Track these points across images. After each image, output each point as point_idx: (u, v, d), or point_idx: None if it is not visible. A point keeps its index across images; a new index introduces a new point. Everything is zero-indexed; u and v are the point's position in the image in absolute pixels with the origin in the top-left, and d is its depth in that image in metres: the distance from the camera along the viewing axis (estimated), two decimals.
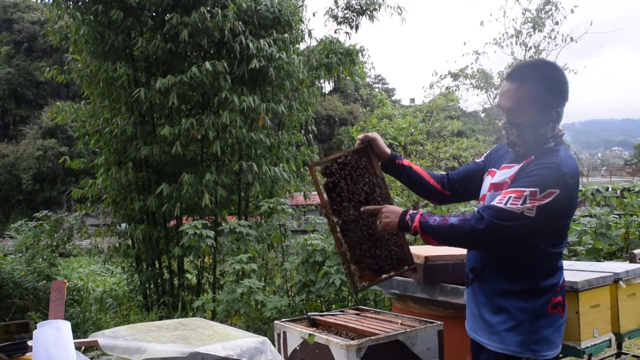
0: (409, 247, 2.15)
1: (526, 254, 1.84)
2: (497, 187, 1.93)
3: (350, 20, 8.88)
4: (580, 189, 7.25)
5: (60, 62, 10.09)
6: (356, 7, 8.86)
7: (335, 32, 8.96)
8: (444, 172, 2.35)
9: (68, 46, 7.93)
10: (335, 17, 8.96)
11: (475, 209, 1.93)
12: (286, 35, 7.59)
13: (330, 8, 9.00)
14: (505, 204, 1.75)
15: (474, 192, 2.12)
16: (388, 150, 2.21)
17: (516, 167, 1.89)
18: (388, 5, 9.03)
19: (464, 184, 2.20)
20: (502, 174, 1.94)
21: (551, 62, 2.01)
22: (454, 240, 1.91)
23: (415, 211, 1.92)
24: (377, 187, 2.15)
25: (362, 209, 2.07)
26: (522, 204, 1.73)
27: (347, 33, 8.96)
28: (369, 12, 8.86)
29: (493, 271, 1.91)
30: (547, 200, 1.72)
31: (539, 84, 1.83)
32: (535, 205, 1.72)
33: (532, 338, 1.81)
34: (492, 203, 1.80)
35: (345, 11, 8.94)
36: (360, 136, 2.22)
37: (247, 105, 6.88)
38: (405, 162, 2.24)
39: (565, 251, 5.09)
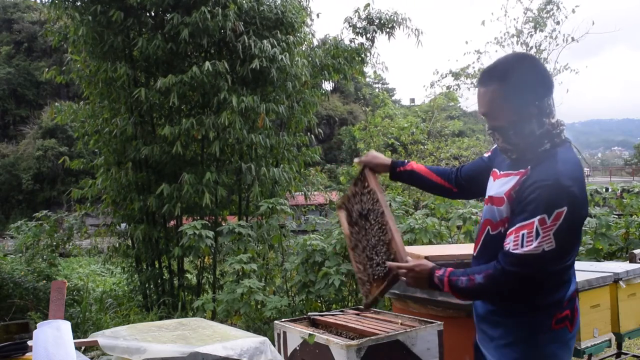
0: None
1: None
2: (492, 201, 1.83)
3: (368, 33, 8.82)
4: None
5: (60, 62, 10.07)
6: (376, 21, 8.81)
7: (351, 41, 8.87)
8: (455, 165, 2.29)
9: (67, 46, 7.93)
10: (353, 27, 8.89)
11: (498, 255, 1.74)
12: (290, 37, 7.59)
13: (350, 17, 8.96)
14: (522, 246, 1.61)
15: (481, 192, 2.01)
16: (388, 162, 2.18)
17: (513, 180, 1.75)
18: (407, 27, 8.96)
19: (470, 183, 2.11)
20: (500, 184, 1.82)
21: (520, 54, 1.87)
22: (487, 298, 1.85)
23: (441, 273, 1.80)
24: (371, 212, 2.11)
25: (389, 264, 1.96)
26: (537, 239, 1.59)
27: (362, 44, 8.87)
28: (388, 29, 8.82)
29: None
30: (559, 223, 1.58)
31: (505, 81, 1.69)
32: (551, 233, 1.58)
33: (532, 354, 1.73)
34: (509, 248, 1.65)
35: (364, 23, 8.88)
36: (356, 160, 2.22)
37: (245, 106, 6.87)
38: (408, 166, 2.18)
39: None
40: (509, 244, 1.66)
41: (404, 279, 1.90)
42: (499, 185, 1.82)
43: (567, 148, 1.73)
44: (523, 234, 1.62)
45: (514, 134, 1.71)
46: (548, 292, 1.73)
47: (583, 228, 5.42)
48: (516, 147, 1.74)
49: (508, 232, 1.69)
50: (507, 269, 1.65)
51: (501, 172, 1.85)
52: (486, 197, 1.91)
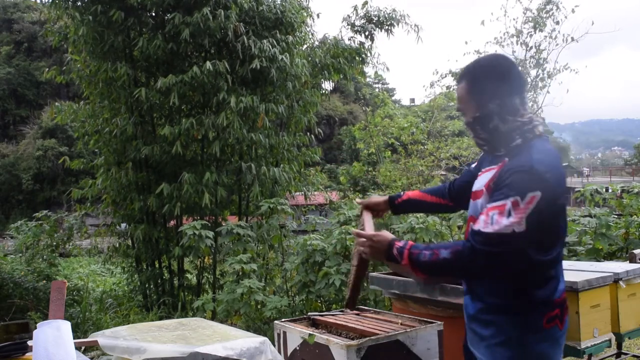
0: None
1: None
2: (475, 196, 1.87)
3: (366, 31, 8.81)
4: (579, 188, 7.25)
5: (60, 62, 10.08)
6: (374, 19, 8.80)
7: (350, 39, 8.87)
8: (450, 178, 2.35)
9: (68, 46, 7.93)
10: (352, 26, 8.89)
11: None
12: (289, 37, 7.58)
13: (348, 15, 8.95)
14: (492, 224, 1.62)
15: None
16: (384, 199, 2.27)
17: (493, 171, 1.79)
18: (406, 23, 8.97)
19: (462, 194, 2.14)
20: (481, 180, 1.86)
21: (494, 55, 1.91)
22: (450, 276, 1.86)
23: (402, 245, 1.78)
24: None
25: (352, 231, 2.11)
26: (508, 219, 1.60)
27: (361, 43, 8.86)
28: (387, 27, 8.82)
29: (479, 284, 1.84)
30: (532, 207, 1.59)
31: (471, 79, 1.79)
32: (522, 216, 1.59)
33: (524, 353, 1.72)
34: (479, 227, 1.65)
35: (363, 21, 8.87)
36: (357, 200, 2.34)
37: (244, 106, 6.87)
38: (404, 196, 2.27)
39: (565, 251, 5.10)
40: (480, 224, 1.66)
41: (362, 248, 1.90)
42: (480, 180, 1.88)
43: (544, 140, 1.77)
44: (494, 214, 1.63)
45: (480, 129, 1.81)
46: (536, 286, 1.73)
47: (583, 228, 5.46)
48: (486, 141, 1.83)
49: (480, 213, 1.71)
50: (476, 247, 1.63)
51: (483, 169, 1.90)
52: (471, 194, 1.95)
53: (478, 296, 1.84)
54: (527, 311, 1.73)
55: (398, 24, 8.90)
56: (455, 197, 2.20)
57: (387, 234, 1.86)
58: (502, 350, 1.74)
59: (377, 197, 2.28)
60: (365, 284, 3.23)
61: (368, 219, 2.21)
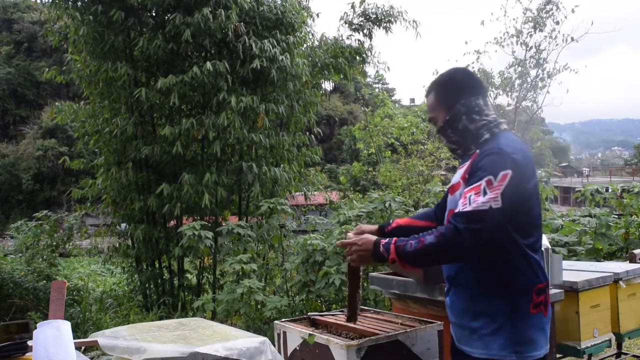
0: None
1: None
2: (452, 189, 1.95)
3: (364, 29, 8.79)
4: (579, 188, 7.25)
5: (60, 62, 10.08)
6: (372, 16, 8.78)
7: (348, 38, 8.84)
8: (450, 178, 2.38)
9: (68, 46, 7.93)
10: (350, 24, 8.86)
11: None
12: (290, 37, 7.58)
13: (345, 13, 8.92)
14: (470, 204, 1.72)
15: None
16: (375, 227, 2.30)
17: (467, 164, 1.90)
18: (404, 19, 8.95)
19: (445, 213, 2.19)
20: (457, 174, 1.98)
21: (452, 68, 2.11)
22: (437, 260, 1.90)
23: (387, 241, 1.86)
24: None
25: (336, 243, 2.16)
26: (485, 196, 1.70)
27: (359, 41, 8.84)
28: (384, 24, 8.79)
29: (467, 274, 1.88)
30: (505, 183, 1.71)
31: (437, 89, 2.02)
32: (498, 192, 1.70)
33: (515, 339, 1.79)
34: (458, 209, 1.76)
35: (361, 19, 8.84)
36: (349, 234, 2.34)
37: (244, 106, 6.87)
38: (394, 224, 2.31)
39: (565, 251, 5.10)
40: (459, 207, 1.78)
41: (350, 257, 1.99)
42: (456, 175, 1.98)
43: (509, 133, 1.94)
44: (471, 195, 1.74)
45: (452, 132, 1.98)
46: (520, 272, 1.81)
47: (583, 228, 5.47)
48: (458, 143, 1.99)
49: (459, 199, 1.83)
50: (458, 226, 1.71)
51: (458, 168, 2.02)
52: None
53: (465, 288, 1.89)
54: (514, 297, 1.80)
55: (396, 21, 8.87)
56: (441, 217, 2.20)
57: (371, 236, 1.97)
58: (495, 338, 1.80)
59: (367, 226, 2.30)
60: (361, 292, 3.25)
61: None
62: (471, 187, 1.76)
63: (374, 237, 1.93)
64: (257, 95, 7.22)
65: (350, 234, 2.15)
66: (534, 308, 1.81)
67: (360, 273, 2.27)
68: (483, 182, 1.73)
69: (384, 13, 8.78)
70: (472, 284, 1.86)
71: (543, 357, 1.84)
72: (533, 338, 1.80)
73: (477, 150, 1.89)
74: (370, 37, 8.86)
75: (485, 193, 1.71)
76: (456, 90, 1.96)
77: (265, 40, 7.15)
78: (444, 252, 1.78)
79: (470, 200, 1.73)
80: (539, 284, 1.83)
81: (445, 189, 2.31)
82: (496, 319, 1.80)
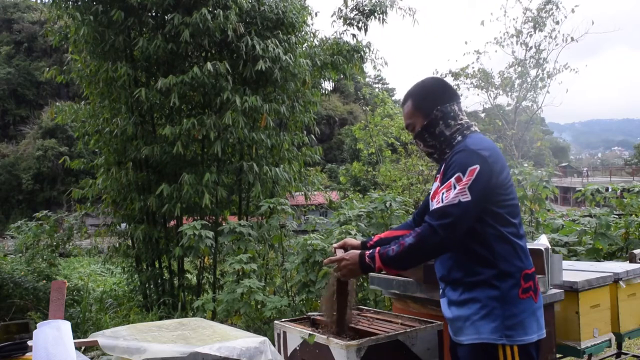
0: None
1: (479, 241, 1.91)
2: (433, 196, 2.02)
3: (359, 22, 8.78)
4: (579, 188, 7.25)
5: (60, 62, 10.09)
6: (365, 8, 8.75)
7: (343, 33, 8.83)
8: (410, 214, 2.46)
9: (68, 46, 7.93)
10: (344, 19, 8.84)
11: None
12: (291, 37, 7.57)
13: (339, 8, 8.90)
14: (442, 201, 1.85)
15: None
16: (358, 242, 2.40)
17: (441, 169, 2.02)
18: (399, 7, 8.95)
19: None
20: (435, 184, 2.06)
21: (427, 78, 2.21)
22: (419, 259, 2.00)
23: (371, 251, 1.99)
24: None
25: (324, 261, 2.25)
26: (453, 192, 1.83)
27: (353, 35, 8.82)
28: (378, 14, 8.77)
29: (457, 269, 1.96)
30: (473, 177, 1.83)
31: (413, 97, 2.12)
32: (466, 187, 1.82)
33: (505, 323, 1.85)
34: (432, 207, 1.91)
35: (354, 12, 8.83)
36: (334, 245, 2.42)
37: (249, 106, 6.88)
38: (375, 238, 2.41)
39: (565, 251, 5.10)
40: (433, 205, 1.92)
41: (338, 273, 2.13)
42: (435, 184, 2.08)
43: (477, 134, 2.05)
44: (442, 193, 1.88)
45: (429, 136, 2.07)
46: (506, 259, 1.89)
47: (583, 228, 5.46)
48: (434, 147, 2.09)
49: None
50: (432, 223, 1.86)
51: (436, 177, 2.11)
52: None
53: (458, 283, 1.97)
54: (502, 283, 1.88)
55: (392, 7, 8.85)
56: (420, 223, 2.25)
57: (356, 250, 2.12)
58: (485, 322, 1.88)
59: (352, 240, 2.41)
60: (355, 299, 3.29)
61: (339, 252, 2.30)
62: (443, 186, 1.89)
63: (358, 251, 2.07)
64: (259, 95, 7.22)
65: (338, 250, 2.28)
66: (523, 293, 1.89)
67: (349, 287, 2.32)
68: (453, 179, 1.86)
69: (377, 2, 8.76)
70: (464, 277, 1.94)
71: (536, 343, 1.91)
72: (524, 323, 1.87)
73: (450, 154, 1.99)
74: (366, 30, 8.87)
75: (454, 189, 1.84)
76: (433, 98, 2.07)
77: (268, 41, 7.15)
78: (424, 250, 1.90)
79: (442, 197, 1.87)
80: (525, 270, 1.92)
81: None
82: (487, 304, 1.88)
